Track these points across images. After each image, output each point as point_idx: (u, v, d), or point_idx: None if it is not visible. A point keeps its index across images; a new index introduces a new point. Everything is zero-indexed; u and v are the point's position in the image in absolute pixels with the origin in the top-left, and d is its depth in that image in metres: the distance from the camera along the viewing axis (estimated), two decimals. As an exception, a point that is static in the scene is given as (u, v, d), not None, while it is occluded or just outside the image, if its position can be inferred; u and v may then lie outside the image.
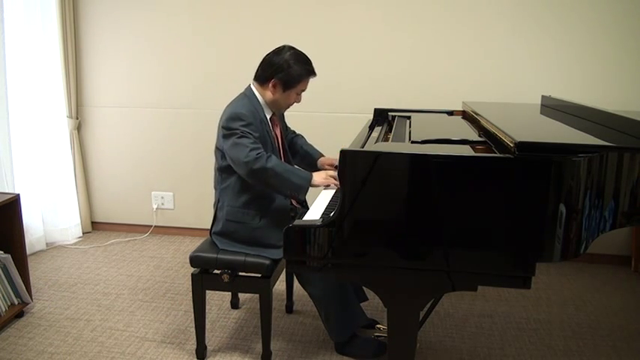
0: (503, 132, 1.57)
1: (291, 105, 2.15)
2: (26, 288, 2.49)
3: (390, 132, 2.22)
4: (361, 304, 2.26)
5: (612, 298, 2.73)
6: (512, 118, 2.09)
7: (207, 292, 2.12)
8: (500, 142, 1.55)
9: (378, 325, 2.26)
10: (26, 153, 3.17)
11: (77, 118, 3.50)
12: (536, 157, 1.38)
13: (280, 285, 2.69)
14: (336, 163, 2.20)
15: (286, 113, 2.33)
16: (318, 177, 2.04)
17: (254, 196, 2.06)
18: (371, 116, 2.66)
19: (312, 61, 2.10)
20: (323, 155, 2.39)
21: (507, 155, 1.42)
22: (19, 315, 2.47)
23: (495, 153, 1.52)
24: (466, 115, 2.50)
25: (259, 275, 2.04)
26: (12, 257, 2.41)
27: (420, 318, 1.69)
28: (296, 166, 2.19)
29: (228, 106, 2.09)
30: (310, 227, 1.52)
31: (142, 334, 2.34)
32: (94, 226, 3.72)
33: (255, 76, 2.12)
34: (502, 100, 3.03)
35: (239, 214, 2.07)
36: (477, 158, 1.42)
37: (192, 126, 3.43)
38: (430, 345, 2.27)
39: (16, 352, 2.19)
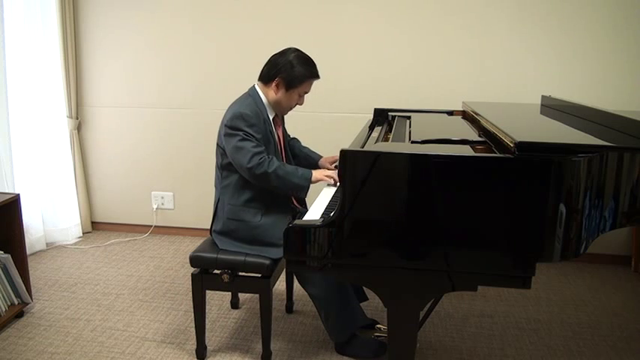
0: (503, 132, 1.57)
1: (293, 107, 2.17)
2: (26, 288, 2.49)
3: (390, 132, 2.22)
4: (361, 304, 2.26)
5: (612, 298, 2.73)
6: (512, 118, 2.09)
7: (207, 292, 2.11)
8: (500, 142, 1.56)
9: (378, 325, 2.26)
10: (26, 153, 3.16)
11: (77, 118, 3.50)
12: (536, 157, 1.38)
13: (280, 285, 2.69)
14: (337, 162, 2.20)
15: (281, 115, 2.34)
16: (317, 174, 2.07)
17: (255, 194, 2.07)
18: (371, 116, 2.66)
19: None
20: (322, 157, 2.40)
21: (507, 155, 1.42)
22: (19, 315, 2.47)
23: (495, 153, 1.52)
24: (466, 115, 2.50)
25: (259, 275, 2.04)
26: (12, 257, 2.41)
27: (420, 318, 1.69)
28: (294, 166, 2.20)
29: (231, 105, 2.11)
30: (310, 227, 1.52)
31: (142, 334, 2.34)
32: (94, 226, 3.72)
33: (259, 76, 2.14)
34: (502, 100, 3.03)
35: (240, 212, 2.07)
36: (477, 158, 1.42)
37: (192, 126, 3.43)
38: (430, 345, 2.27)
39: (16, 352, 2.19)
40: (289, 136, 2.44)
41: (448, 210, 1.43)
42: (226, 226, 2.10)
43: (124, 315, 2.52)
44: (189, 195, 3.55)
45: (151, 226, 3.65)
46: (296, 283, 2.40)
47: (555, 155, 1.38)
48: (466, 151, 1.53)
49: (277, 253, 2.01)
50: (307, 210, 1.88)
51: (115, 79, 3.46)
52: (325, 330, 2.20)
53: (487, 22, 3.02)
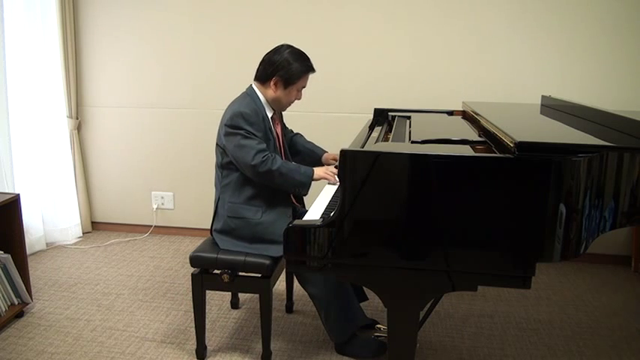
0: (503, 132, 1.57)
1: (292, 102, 2.17)
2: (26, 288, 2.49)
3: (390, 132, 2.22)
4: (361, 304, 2.26)
5: (612, 298, 2.73)
6: (512, 118, 2.09)
7: (207, 292, 2.12)
8: (500, 142, 1.55)
9: (378, 325, 2.26)
10: (26, 153, 3.17)
11: (77, 118, 3.50)
12: (536, 157, 1.38)
13: (280, 285, 2.69)
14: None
15: (286, 113, 2.34)
16: (319, 171, 2.09)
17: (255, 192, 2.08)
18: (371, 116, 2.66)
19: (313, 62, 2.13)
20: (326, 152, 2.41)
21: (507, 155, 1.42)
22: (19, 315, 2.47)
23: (495, 153, 1.52)
24: (466, 115, 2.50)
25: (259, 275, 2.04)
26: (12, 257, 2.41)
27: (420, 318, 1.69)
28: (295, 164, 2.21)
29: (230, 104, 2.12)
30: (310, 227, 1.52)
31: (142, 334, 2.34)
32: (94, 226, 3.72)
33: (255, 76, 2.14)
34: (502, 100, 3.03)
35: (240, 210, 2.08)
36: (477, 158, 1.42)
37: (192, 126, 3.43)
38: (430, 345, 2.27)
39: (16, 352, 2.19)
40: (291, 131, 2.44)
41: (448, 210, 1.43)
42: (227, 225, 2.10)
43: (124, 315, 2.52)
44: (189, 195, 3.55)
45: (151, 226, 3.65)
46: (296, 283, 2.40)
47: (555, 155, 1.38)
48: (466, 151, 1.53)
49: (278, 250, 2.01)
50: (306, 209, 1.88)
51: (115, 79, 3.46)
52: (325, 330, 2.20)
53: (487, 23, 3.02)
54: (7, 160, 2.94)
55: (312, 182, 2.06)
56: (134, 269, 3.06)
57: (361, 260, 1.52)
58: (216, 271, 2.09)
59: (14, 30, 3.03)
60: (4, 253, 2.41)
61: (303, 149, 2.40)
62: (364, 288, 2.40)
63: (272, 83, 2.08)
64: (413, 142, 1.67)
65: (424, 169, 1.43)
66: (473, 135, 1.83)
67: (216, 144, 2.13)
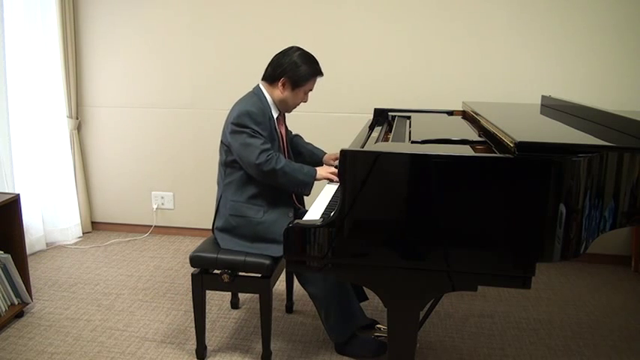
0: (503, 132, 1.57)
1: (298, 104, 2.19)
2: (26, 288, 2.49)
3: (390, 132, 2.22)
4: (361, 304, 2.26)
5: (612, 298, 2.73)
6: (512, 118, 2.09)
7: (207, 292, 2.12)
8: (500, 142, 1.55)
9: (378, 325, 2.26)
10: (26, 153, 3.16)
11: (77, 118, 3.50)
12: (536, 157, 1.38)
13: (280, 285, 2.69)
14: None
15: (286, 113, 2.34)
16: (322, 171, 2.10)
17: (258, 191, 2.08)
18: (371, 116, 2.66)
19: None
20: (325, 153, 2.42)
21: (507, 155, 1.42)
22: (19, 315, 2.47)
23: (495, 153, 1.52)
24: (466, 115, 2.50)
25: (259, 275, 2.04)
26: (12, 257, 2.41)
27: (420, 318, 1.69)
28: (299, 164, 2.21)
29: (237, 103, 2.13)
30: (310, 227, 1.52)
31: (142, 334, 2.34)
32: (94, 226, 3.72)
33: (263, 76, 2.16)
34: (502, 100, 3.03)
35: (242, 209, 2.08)
36: (477, 158, 1.42)
37: (192, 126, 3.43)
38: (430, 345, 2.27)
39: (16, 352, 2.19)
40: (291, 133, 2.45)
41: (448, 210, 1.43)
42: (228, 223, 2.10)
43: (124, 315, 2.52)
44: (190, 195, 3.55)
45: (151, 226, 3.65)
46: (296, 283, 2.40)
47: (555, 155, 1.38)
48: (466, 151, 1.53)
49: (279, 250, 2.01)
50: (306, 209, 1.89)
51: (115, 79, 3.46)
52: (325, 330, 2.20)
53: (487, 22, 3.02)
54: (7, 160, 2.93)
55: (315, 182, 2.07)
56: (134, 269, 3.06)
57: (361, 260, 1.52)
58: (216, 271, 2.09)
59: (14, 30, 3.03)
60: (4, 253, 2.41)
61: (304, 150, 2.42)
62: (364, 288, 2.40)
63: (280, 84, 2.09)
64: (413, 142, 1.67)
65: (424, 169, 1.43)
66: (473, 135, 1.83)
67: (221, 142, 2.13)
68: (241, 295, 2.66)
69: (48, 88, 3.30)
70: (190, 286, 2.11)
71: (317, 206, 1.89)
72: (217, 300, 2.65)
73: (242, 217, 2.08)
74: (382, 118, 2.59)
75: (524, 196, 1.40)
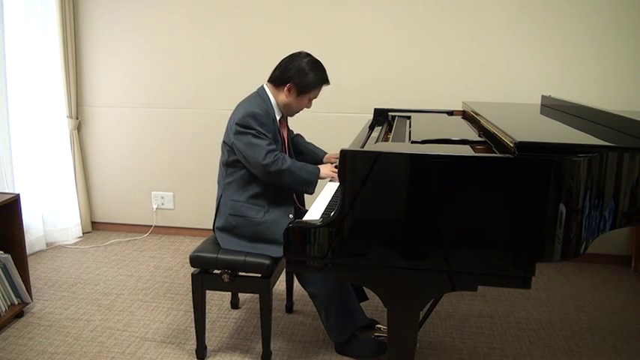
0: (503, 132, 1.57)
1: (301, 110, 2.20)
2: (26, 288, 2.49)
3: (390, 132, 2.22)
4: (361, 304, 2.26)
5: (612, 298, 2.73)
6: (512, 118, 2.09)
7: (207, 292, 2.12)
8: (500, 142, 1.55)
9: (378, 325, 2.26)
10: (26, 153, 3.16)
11: (77, 118, 3.50)
12: (536, 157, 1.38)
13: (280, 285, 2.69)
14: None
15: (289, 117, 2.34)
16: (325, 170, 2.12)
17: (259, 191, 2.08)
18: (371, 116, 2.66)
19: None
20: (326, 153, 2.42)
21: (507, 155, 1.42)
22: (19, 315, 2.47)
23: (495, 153, 1.52)
24: (466, 115, 2.50)
25: (259, 275, 2.04)
26: (12, 257, 2.41)
27: (420, 318, 1.69)
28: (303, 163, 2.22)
29: (241, 103, 2.13)
30: (310, 227, 1.52)
31: (142, 334, 2.34)
32: (94, 226, 3.72)
33: (270, 78, 2.16)
34: (502, 100, 3.03)
35: (242, 209, 2.08)
36: (477, 158, 1.42)
37: (192, 126, 3.43)
38: (430, 345, 2.27)
39: (16, 352, 2.19)
40: (292, 132, 2.46)
41: (448, 210, 1.43)
42: (228, 222, 2.10)
43: (124, 315, 2.52)
44: (189, 195, 3.55)
45: (151, 226, 3.65)
46: (296, 283, 2.40)
47: (555, 155, 1.38)
48: (466, 151, 1.53)
49: (278, 251, 2.01)
50: (306, 209, 1.89)
51: (115, 79, 3.46)
52: (325, 330, 2.20)
53: (487, 23, 3.02)
54: (7, 160, 2.93)
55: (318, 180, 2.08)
56: (134, 269, 3.06)
57: (361, 260, 1.52)
58: (216, 271, 2.09)
59: (14, 30, 3.03)
60: (4, 253, 2.41)
61: (305, 150, 2.42)
62: (364, 288, 2.40)
63: (286, 89, 2.10)
64: (413, 142, 1.67)
65: (424, 169, 1.43)
66: (473, 135, 1.83)
67: (223, 141, 2.13)
68: (241, 295, 2.66)
69: (48, 88, 3.30)
70: (190, 286, 2.11)
71: (317, 206, 1.90)
72: (217, 300, 2.65)
73: (242, 216, 2.08)
74: (382, 118, 2.59)
75: (524, 196, 1.40)
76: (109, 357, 2.17)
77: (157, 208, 3.61)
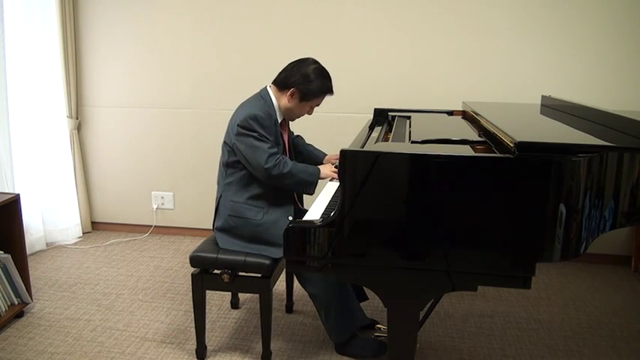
0: (503, 132, 1.57)
1: (302, 116, 2.20)
2: (26, 288, 2.49)
3: (390, 132, 2.22)
4: (361, 304, 2.26)
5: (612, 298, 2.73)
6: (512, 118, 2.09)
7: (207, 292, 2.11)
8: (500, 142, 1.55)
9: (378, 325, 2.26)
10: (26, 153, 3.16)
11: (77, 118, 3.50)
12: (536, 157, 1.38)
13: (280, 285, 2.69)
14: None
15: (290, 121, 2.34)
16: (325, 169, 2.12)
17: (259, 192, 2.08)
18: (371, 116, 2.66)
19: None
20: (326, 154, 2.42)
21: (507, 155, 1.42)
22: (19, 315, 2.47)
23: (495, 153, 1.52)
24: (466, 115, 2.50)
25: (259, 275, 2.04)
26: (12, 257, 2.41)
27: (420, 318, 1.69)
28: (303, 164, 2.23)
29: (243, 104, 2.12)
30: (310, 227, 1.52)
31: (142, 334, 2.34)
32: (94, 226, 3.72)
33: (275, 81, 2.15)
34: (502, 100, 3.03)
35: (242, 210, 2.08)
36: (477, 158, 1.42)
37: (192, 126, 3.43)
38: (430, 345, 2.27)
39: (16, 352, 2.19)
40: (293, 133, 2.45)
41: (448, 210, 1.43)
42: (227, 223, 2.10)
43: (124, 315, 2.52)
44: (189, 195, 3.55)
45: (151, 226, 3.65)
46: (296, 283, 2.40)
47: (555, 155, 1.38)
48: (466, 151, 1.53)
49: (278, 252, 2.01)
50: (306, 209, 1.89)
51: (115, 79, 3.46)
52: (325, 330, 2.20)
53: (487, 22, 3.02)
54: (7, 160, 2.93)
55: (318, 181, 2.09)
56: (134, 269, 3.06)
57: (361, 260, 1.52)
58: (216, 271, 2.09)
59: (14, 30, 3.03)
60: (4, 253, 2.41)
61: (304, 150, 2.42)
62: (364, 288, 2.40)
63: (289, 93, 2.10)
64: (413, 142, 1.67)
65: (424, 169, 1.43)
66: (473, 135, 1.83)
67: (224, 142, 2.13)
68: (241, 295, 2.66)
69: (48, 88, 3.30)
70: (190, 286, 2.11)
71: (317, 206, 1.90)
72: (217, 300, 2.65)
73: (241, 217, 2.08)
74: (382, 118, 2.59)
75: (524, 196, 1.40)
76: (109, 357, 2.17)
77: (157, 208, 3.61)
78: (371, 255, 1.50)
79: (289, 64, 2.14)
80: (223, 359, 2.16)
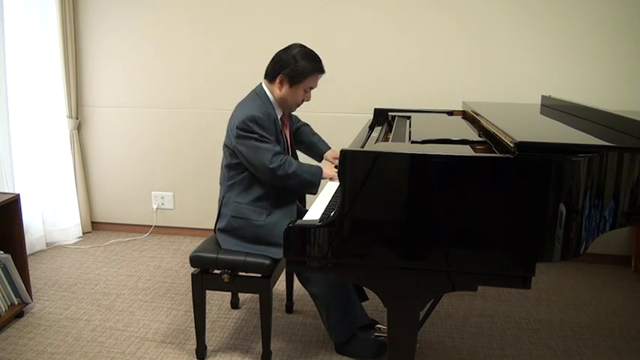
0: (503, 132, 1.57)
1: (300, 103, 2.15)
2: (26, 288, 2.49)
3: (390, 132, 2.22)
4: (361, 304, 2.26)
5: (612, 298, 2.73)
6: (512, 118, 2.09)
7: (207, 292, 2.12)
8: (500, 142, 1.55)
9: (378, 325, 2.26)
10: (26, 153, 3.16)
11: (77, 118, 3.50)
12: (536, 157, 1.38)
13: (280, 285, 2.69)
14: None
15: (289, 112, 2.33)
16: (327, 169, 2.10)
17: (262, 193, 2.07)
18: (371, 116, 2.66)
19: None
20: (330, 148, 2.39)
21: (507, 155, 1.42)
22: (19, 315, 2.47)
23: (495, 153, 1.52)
24: (466, 115, 2.50)
25: (259, 275, 2.04)
26: (12, 257, 2.41)
27: (420, 318, 1.69)
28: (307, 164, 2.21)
29: (240, 105, 2.10)
30: (310, 227, 1.52)
31: (142, 334, 2.34)
32: (94, 226, 3.72)
33: (265, 74, 2.13)
34: (502, 100, 3.03)
35: (245, 211, 2.07)
36: (477, 158, 1.42)
37: (192, 126, 3.43)
38: (430, 345, 2.27)
39: (16, 352, 2.19)
40: (300, 121, 2.43)
41: (448, 210, 1.43)
42: (230, 224, 2.10)
43: (124, 315, 2.52)
44: (190, 195, 3.55)
45: (151, 226, 3.65)
46: (296, 283, 2.40)
47: (555, 155, 1.38)
48: (466, 151, 1.53)
49: (279, 253, 2.01)
50: (307, 209, 1.88)
51: (115, 79, 3.46)
52: (325, 329, 2.20)
53: (487, 22, 3.02)
54: (7, 160, 2.94)
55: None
56: (134, 269, 3.06)
57: (361, 260, 1.52)
58: (216, 271, 2.09)
59: (14, 30, 3.03)
60: (4, 253, 2.41)
61: (307, 140, 2.39)
62: (364, 288, 2.40)
63: (277, 81, 2.06)
64: (413, 142, 1.67)
65: (424, 169, 1.43)
66: (473, 135, 1.83)
67: (224, 144, 2.11)
68: (241, 295, 2.66)
69: (48, 88, 3.30)
70: (190, 286, 2.11)
71: (317, 206, 1.89)
72: (217, 300, 2.65)
73: (244, 219, 2.07)
74: (382, 118, 2.59)
75: (524, 196, 1.40)
76: (109, 357, 2.17)
77: (157, 208, 3.61)
78: (371, 255, 1.50)
79: (275, 53, 2.10)
80: (223, 359, 2.16)
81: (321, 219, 1.62)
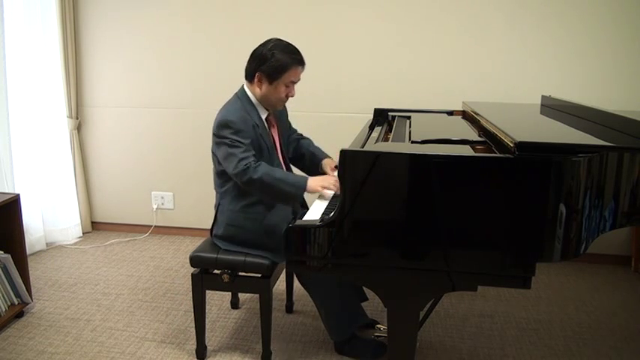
0: (503, 132, 1.57)
1: (284, 99, 2.06)
2: (26, 288, 2.49)
3: (390, 132, 2.22)
4: (361, 304, 2.26)
5: (612, 298, 2.73)
6: (512, 118, 2.09)
7: (207, 292, 2.12)
8: (500, 142, 1.56)
9: (378, 325, 2.26)
10: (26, 153, 3.16)
11: (77, 118, 3.50)
12: (536, 157, 1.38)
13: (280, 285, 2.69)
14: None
15: (290, 113, 2.32)
16: (314, 183, 1.95)
17: (254, 200, 2.03)
18: (371, 116, 2.66)
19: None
20: (329, 157, 2.32)
21: (507, 155, 1.42)
22: (19, 315, 2.47)
23: (495, 153, 1.52)
24: (466, 115, 2.50)
25: (259, 275, 2.04)
26: (12, 257, 2.41)
27: (420, 318, 1.69)
28: (291, 172, 2.14)
29: (220, 110, 2.04)
30: (310, 227, 1.52)
31: (142, 334, 2.34)
32: (94, 226, 3.72)
33: (245, 74, 2.06)
34: (502, 100, 3.03)
35: (239, 219, 2.05)
36: (477, 158, 1.43)
37: (192, 126, 3.43)
38: (430, 345, 2.27)
39: (16, 352, 2.19)
40: (299, 135, 2.37)
41: (448, 210, 1.43)
42: (226, 232, 2.09)
43: (124, 315, 2.52)
44: (190, 195, 3.55)
45: (151, 226, 3.65)
46: (296, 283, 2.40)
47: (555, 155, 1.38)
48: (466, 151, 1.53)
49: (278, 257, 2.01)
50: (307, 210, 1.88)
51: (115, 79, 3.46)
52: (325, 329, 2.20)
53: (487, 22, 3.02)
54: (7, 160, 2.94)
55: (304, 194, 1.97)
56: (134, 269, 3.06)
57: (361, 260, 1.52)
58: (216, 271, 2.09)
59: (14, 30, 3.03)
60: (4, 253, 2.41)
61: (306, 152, 2.32)
62: (364, 288, 2.40)
63: (256, 79, 1.99)
64: (413, 142, 1.67)
65: (424, 169, 1.43)
66: (473, 135, 1.83)
67: (212, 151, 2.07)
68: (241, 295, 2.66)
69: (48, 88, 3.30)
70: (190, 286, 2.11)
71: (317, 206, 1.89)
72: (217, 300, 2.65)
73: (239, 227, 2.05)
74: (382, 118, 2.59)
75: (524, 196, 1.40)
76: (109, 357, 2.17)
77: (157, 208, 3.61)
78: (371, 255, 1.50)
79: (252, 51, 2.03)
80: (223, 359, 2.16)
81: (321, 219, 1.62)
